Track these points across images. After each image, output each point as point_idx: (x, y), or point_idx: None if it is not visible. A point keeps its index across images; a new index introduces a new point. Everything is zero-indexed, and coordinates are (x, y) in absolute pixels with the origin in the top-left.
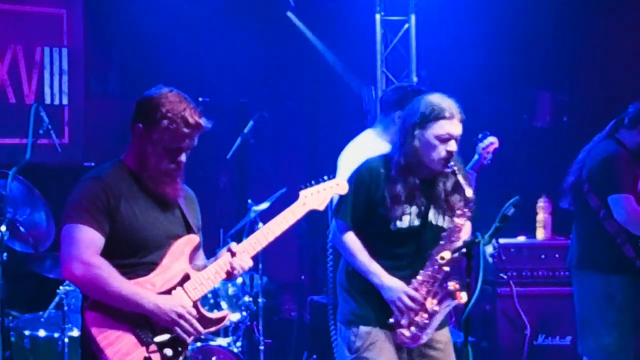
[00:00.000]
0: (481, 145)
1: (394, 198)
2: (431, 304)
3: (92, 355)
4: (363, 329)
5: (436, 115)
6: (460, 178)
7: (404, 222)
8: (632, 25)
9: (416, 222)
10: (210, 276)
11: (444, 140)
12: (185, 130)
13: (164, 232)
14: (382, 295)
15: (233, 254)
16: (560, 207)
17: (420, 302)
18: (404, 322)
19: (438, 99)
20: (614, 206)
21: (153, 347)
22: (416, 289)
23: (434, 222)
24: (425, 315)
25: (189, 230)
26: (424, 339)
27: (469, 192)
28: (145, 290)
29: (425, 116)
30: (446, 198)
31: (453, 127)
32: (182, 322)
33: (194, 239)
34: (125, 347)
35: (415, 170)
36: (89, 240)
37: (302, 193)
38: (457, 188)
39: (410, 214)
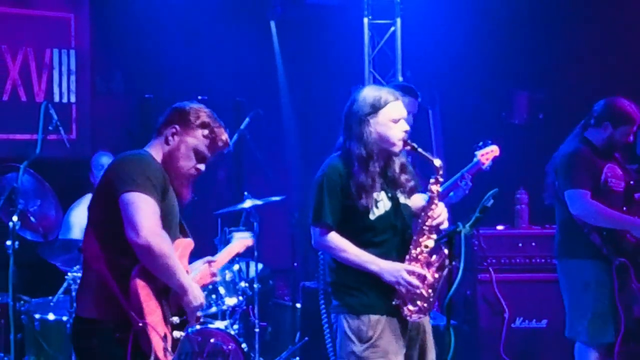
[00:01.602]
0: (480, 152)
1: (362, 189)
2: (431, 274)
3: (119, 323)
4: (373, 317)
5: (385, 100)
6: (422, 151)
7: (381, 209)
8: (604, 26)
9: (389, 206)
10: (197, 280)
11: (397, 121)
12: (219, 144)
13: (177, 225)
14: (383, 279)
15: (210, 265)
16: (536, 199)
17: (422, 276)
18: (408, 298)
19: (378, 88)
20: (569, 200)
21: (169, 327)
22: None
23: (401, 202)
24: (428, 287)
25: (182, 231)
26: (430, 309)
27: (437, 162)
28: (185, 272)
29: (375, 105)
30: (399, 178)
31: (401, 107)
32: (200, 308)
33: (191, 243)
34: (156, 319)
35: (374, 158)
36: (156, 212)
37: (236, 235)
38: (404, 168)
39: (382, 200)
